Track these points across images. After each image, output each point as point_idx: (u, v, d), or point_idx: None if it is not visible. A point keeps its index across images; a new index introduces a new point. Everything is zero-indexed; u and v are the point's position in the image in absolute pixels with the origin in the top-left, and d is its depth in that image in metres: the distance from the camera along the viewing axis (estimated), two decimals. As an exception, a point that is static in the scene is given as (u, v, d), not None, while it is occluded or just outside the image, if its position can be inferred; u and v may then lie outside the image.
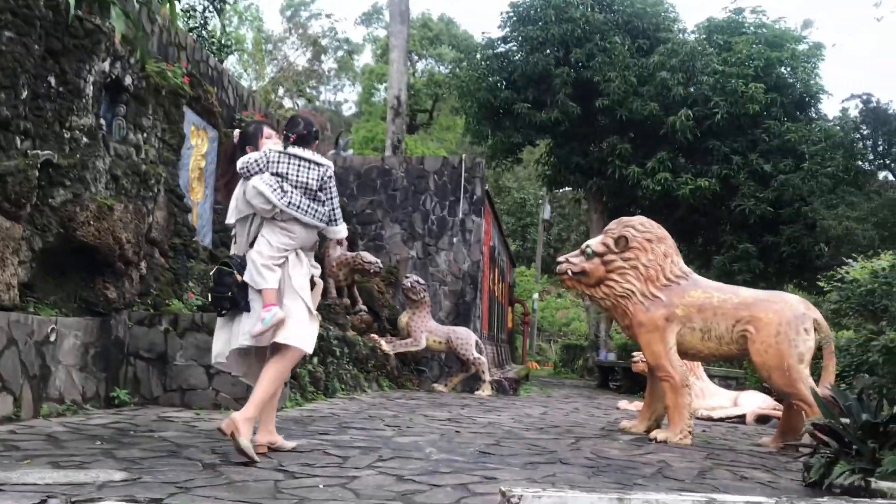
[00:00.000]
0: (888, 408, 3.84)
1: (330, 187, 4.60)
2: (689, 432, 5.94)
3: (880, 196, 15.97)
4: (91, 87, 6.43)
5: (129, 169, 7.07)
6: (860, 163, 17.81)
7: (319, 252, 11.87)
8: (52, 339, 5.77)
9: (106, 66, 6.67)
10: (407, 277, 11.64)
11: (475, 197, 13.35)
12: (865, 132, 17.32)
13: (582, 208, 28.49)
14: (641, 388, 14.79)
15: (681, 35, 20.68)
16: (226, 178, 4.96)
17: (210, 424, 5.65)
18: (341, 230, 4.76)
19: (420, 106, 37.41)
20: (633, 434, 6.46)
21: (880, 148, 17.47)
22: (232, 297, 4.41)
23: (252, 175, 4.48)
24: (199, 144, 8.96)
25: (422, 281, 11.54)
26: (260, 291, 4.36)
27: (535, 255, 37.71)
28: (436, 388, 11.46)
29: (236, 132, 5.06)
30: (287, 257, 4.47)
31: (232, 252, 4.71)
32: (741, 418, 9.08)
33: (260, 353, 4.54)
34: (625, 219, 6.47)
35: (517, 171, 34.87)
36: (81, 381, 6.23)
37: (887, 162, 17.89)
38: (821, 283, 4.23)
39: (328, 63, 48.44)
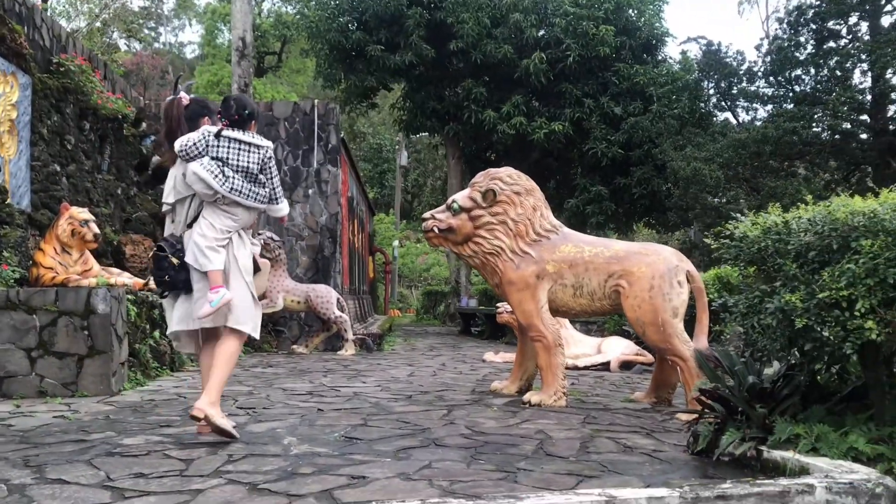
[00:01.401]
0: (779, 368, 3.68)
1: (270, 167, 4.58)
2: (564, 393, 5.71)
3: (724, 137, 16.49)
4: None
5: (-86, 123, 5.95)
6: (703, 104, 18.35)
7: (160, 210, 10.88)
8: None
9: None
10: (259, 234, 10.87)
11: (330, 145, 12.63)
12: (708, 74, 17.80)
13: (439, 153, 28.20)
14: (503, 334, 14.84)
15: (533, -25, 20.40)
16: (171, 140, 4.61)
17: (31, 421, 4.87)
18: (283, 208, 4.75)
19: (268, 48, 35.56)
20: (506, 396, 6.18)
21: (721, 90, 18.06)
22: (170, 281, 4.43)
23: (192, 158, 4.39)
24: (8, 92, 7.78)
25: (276, 237, 10.82)
26: (205, 273, 4.34)
27: (393, 202, 37.29)
28: (296, 350, 10.87)
29: (184, 94, 4.81)
30: (231, 238, 4.46)
31: (167, 232, 4.62)
32: (605, 365, 9.09)
33: (209, 333, 4.55)
34: (492, 171, 6.07)
35: (372, 116, 34.07)
36: None
37: (727, 103, 18.57)
38: (707, 240, 3.98)
39: (167, 3, 45.31)
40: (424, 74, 19.03)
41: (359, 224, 18.47)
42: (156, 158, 12.02)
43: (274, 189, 4.60)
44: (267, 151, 4.54)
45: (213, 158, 4.38)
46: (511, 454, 3.93)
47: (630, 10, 18.98)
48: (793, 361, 3.86)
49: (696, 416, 4.08)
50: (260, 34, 32.23)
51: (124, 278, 7.48)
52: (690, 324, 5.64)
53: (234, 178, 4.37)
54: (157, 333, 7.45)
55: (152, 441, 4.24)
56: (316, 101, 13.06)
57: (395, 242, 31.87)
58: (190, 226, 4.46)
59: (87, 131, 9.54)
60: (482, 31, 17.84)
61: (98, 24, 26.39)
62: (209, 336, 4.56)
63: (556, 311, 5.92)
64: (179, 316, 4.51)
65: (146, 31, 41.76)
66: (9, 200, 7.54)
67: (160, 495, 3.12)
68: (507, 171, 6.03)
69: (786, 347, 3.48)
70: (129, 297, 6.89)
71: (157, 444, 4.16)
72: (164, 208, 4.68)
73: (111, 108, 9.82)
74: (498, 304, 10.50)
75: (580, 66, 18.04)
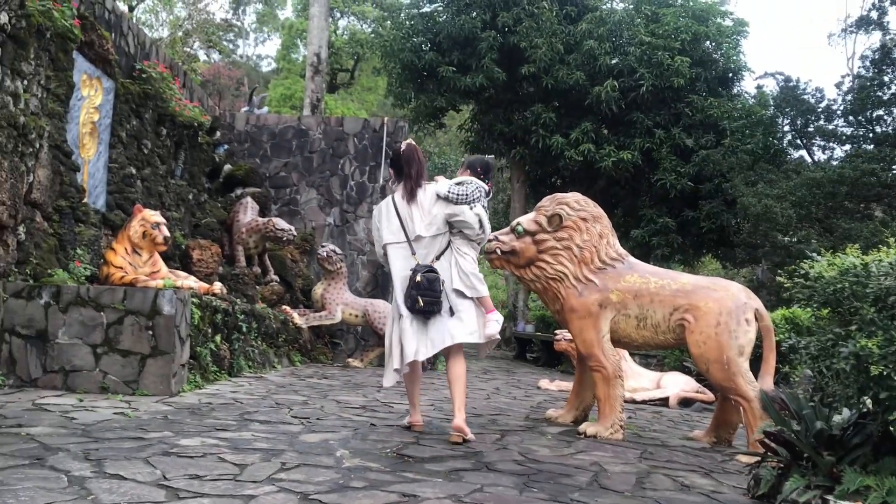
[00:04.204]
0: (849, 415, 3.53)
1: None
2: (621, 426, 5.58)
3: (798, 175, 16.05)
4: (-46, 24, 5.54)
5: (4, 121, 6.18)
6: (777, 141, 17.94)
7: (228, 217, 11.11)
8: None
9: (-26, -1, 5.77)
10: (323, 246, 11.00)
11: (396, 163, 12.71)
12: (784, 111, 17.41)
13: (504, 177, 28.15)
14: (559, 362, 14.66)
15: (609, 3, 20.35)
16: (411, 182, 5.22)
17: (93, 415, 4.97)
18: None
19: (341, 65, 36.20)
20: (561, 425, 6.08)
21: (797, 127, 17.63)
22: (434, 301, 4.92)
23: (472, 202, 5.12)
24: (92, 95, 8.06)
25: (339, 250, 10.92)
26: (472, 298, 5.09)
27: (454, 222, 37.25)
28: (351, 364, 10.92)
29: (409, 142, 5.44)
30: None
31: (418, 261, 5.06)
32: (664, 401, 8.89)
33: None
34: (559, 195, 6.01)
35: (439, 136, 34.24)
36: (-58, 364, 5.44)
37: (803, 141, 18.10)
38: (780, 279, 3.85)
39: (249, 16, 46.51)
40: (494, 97, 19.08)
41: (420, 242, 18.50)
42: (227, 167, 12.29)
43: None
44: None
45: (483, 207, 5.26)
46: (565, 484, 3.85)
47: (707, 42, 18.71)
48: (865, 409, 3.70)
49: (758, 458, 3.93)
50: (334, 51, 32.82)
51: (190, 282, 7.62)
52: (756, 364, 5.47)
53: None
54: (218, 338, 7.57)
55: (208, 444, 4.28)
56: (385, 118, 13.20)
57: (455, 263, 31.80)
58: (437, 258, 5.08)
59: (164, 137, 9.81)
60: (555, 57, 17.80)
61: (180, 33, 27.23)
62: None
63: (617, 342, 5.80)
64: (425, 341, 5.01)
65: (225, 43, 42.89)
66: (85, 200, 7.78)
67: (213, 498, 3.14)
68: (574, 197, 5.97)
69: (858, 394, 3.33)
70: (194, 300, 7.02)
71: (213, 446, 4.20)
72: (388, 238, 5.17)
73: (188, 116, 10.09)
74: (556, 331, 10.39)
75: (653, 95, 17.84)
